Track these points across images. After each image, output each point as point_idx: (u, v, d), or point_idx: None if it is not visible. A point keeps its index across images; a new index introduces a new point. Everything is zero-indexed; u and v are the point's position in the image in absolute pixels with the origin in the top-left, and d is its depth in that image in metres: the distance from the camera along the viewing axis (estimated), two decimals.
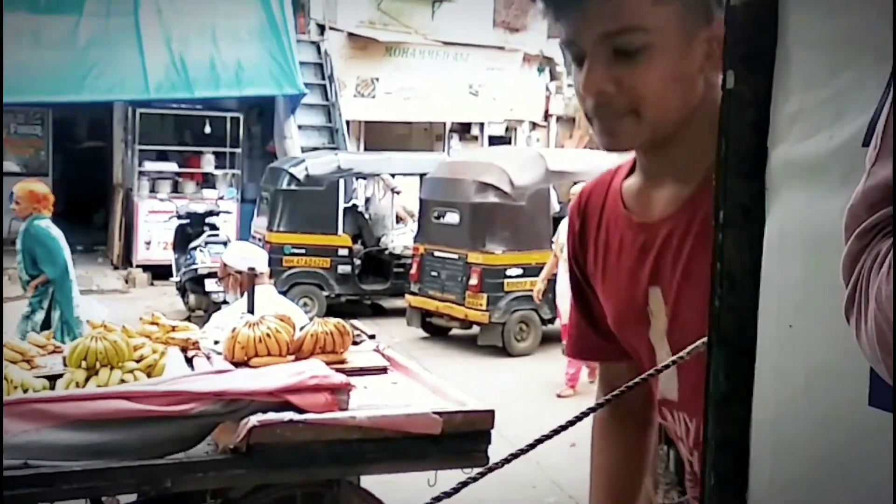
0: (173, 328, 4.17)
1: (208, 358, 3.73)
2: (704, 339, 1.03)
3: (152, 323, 4.33)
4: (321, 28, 15.17)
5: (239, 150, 14.03)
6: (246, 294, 4.54)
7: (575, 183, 10.42)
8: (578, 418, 1.25)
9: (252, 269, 4.57)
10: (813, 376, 0.87)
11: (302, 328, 3.76)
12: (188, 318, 10.54)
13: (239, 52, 13.38)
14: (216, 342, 3.83)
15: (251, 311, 4.41)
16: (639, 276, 1.39)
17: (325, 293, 10.81)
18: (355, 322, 4.28)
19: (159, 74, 12.94)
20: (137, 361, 3.57)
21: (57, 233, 6.75)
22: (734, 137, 0.98)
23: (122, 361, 3.49)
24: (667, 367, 1.20)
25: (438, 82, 15.92)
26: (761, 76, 0.96)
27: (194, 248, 10.49)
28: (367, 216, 11.95)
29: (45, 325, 6.55)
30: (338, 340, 3.62)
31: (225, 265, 4.98)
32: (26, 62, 12.45)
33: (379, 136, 15.90)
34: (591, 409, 1.34)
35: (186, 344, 3.90)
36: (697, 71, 1.28)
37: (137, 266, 13.19)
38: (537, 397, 7.78)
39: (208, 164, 13.81)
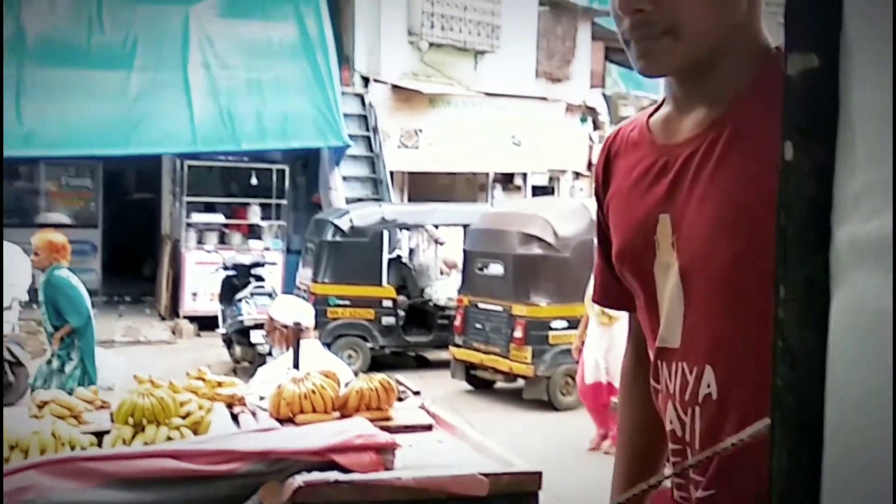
0: (219, 384, 4.18)
1: (254, 414, 3.73)
2: (767, 420, 0.99)
3: (198, 378, 4.34)
4: (365, 80, 15.36)
5: (285, 202, 14.18)
6: (291, 349, 4.56)
7: None
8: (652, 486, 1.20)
9: (298, 323, 4.58)
10: (882, 457, 0.84)
11: (347, 384, 3.75)
12: (234, 370, 10.61)
13: (285, 105, 13.58)
14: (262, 398, 3.83)
15: (296, 366, 4.42)
16: (651, 201, 1.33)
17: (370, 345, 10.80)
18: (399, 376, 4.27)
19: (207, 127, 13.17)
20: (183, 418, 3.57)
21: (77, 282, 6.77)
22: (794, 212, 0.95)
23: (168, 418, 3.49)
24: (726, 448, 1.10)
25: (481, 133, 16.00)
26: (822, 148, 0.93)
27: (240, 300, 10.56)
28: (411, 267, 11.96)
29: (82, 374, 6.61)
30: (383, 397, 3.60)
31: (271, 319, 5.00)
32: (77, 116, 12.77)
33: (422, 186, 15.98)
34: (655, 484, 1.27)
35: (232, 400, 3.90)
36: None
37: (184, 317, 13.30)
38: (584, 453, 7.66)
39: (254, 215, 13.96)
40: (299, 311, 4.87)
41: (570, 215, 9.41)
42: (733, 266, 1.22)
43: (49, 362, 6.77)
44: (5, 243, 11.00)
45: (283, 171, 14.13)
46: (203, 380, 4.23)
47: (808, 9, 0.90)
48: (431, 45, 15.65)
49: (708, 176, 1.25)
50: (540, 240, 9.13)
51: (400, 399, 3.86)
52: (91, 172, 15.31)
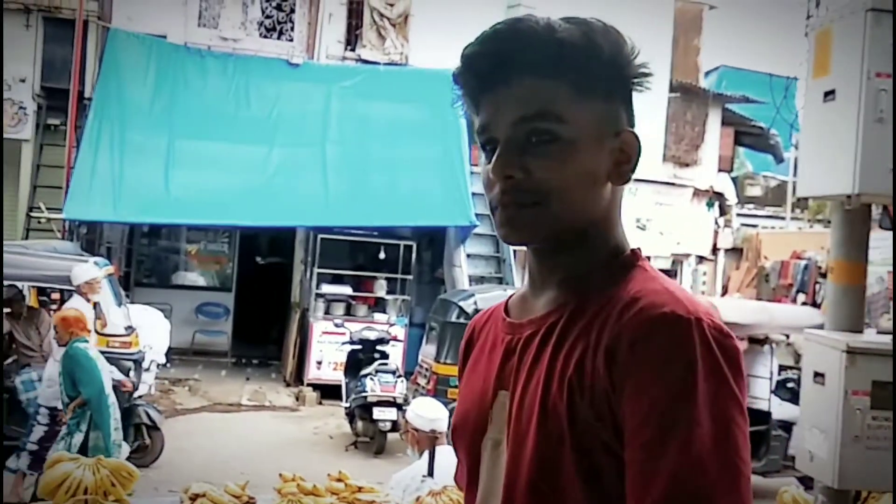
0: (360, 489, 4.36)
1: None
2: None
3: (339, 480, 4.53)
4: None
5: (410, 277, 14.50)
6: (427, 454, 4.70)
7: (741, 338, 10.26)
8: None
9: (433, 430, 4.74)
10: None
11: None
12: (354, 444, 10.85)
13: (416, 183, 13.97)
14: None
15: (431, 473, 4.56)
16: (492, 376, 1.35)
17: None
18: None
19: (340, 202, 13.64)
20: None
21: (95, 355, 6.97)
22: None
23: None
24: None
25: None
26: None
27: (365, 376, 10.82)
28: None
29: (83, 446, 6.70)
30: None
31: (406, 421, 5.17)
32: (220, 187, 13.42)
33: None
34: None
35: None
36: (605, 176, 1.28)
37: (308, 384, 13.68)
38: None
39: (381, 288, 14.31)
40: (434, 418, 5.02)
41: None
42: (545, 457, 1.22)
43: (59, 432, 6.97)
44: (148, 307, 11.63)
45: (410, 246, 14.48)
46: (345, 483, 4.42)
47: None
48: None
49: (542, 358, 1.26)
50: None
51: None
52: (228, 238, 16.02)
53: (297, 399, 13.50)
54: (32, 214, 13.64)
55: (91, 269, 8.62)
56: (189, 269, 16.27)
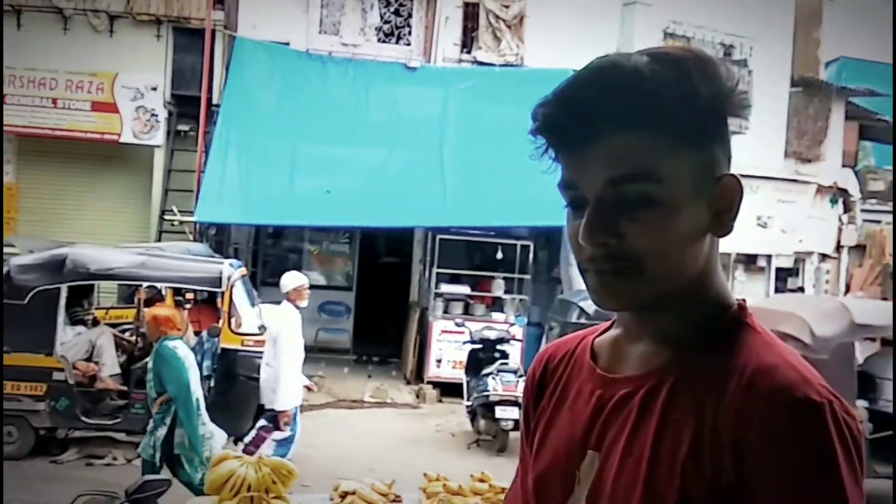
0: (502, 489, 4.48)
1: None
2: None
3: (481, 480, 4.65)
4: None
5: (528, 277, 14.58)
6: None
7: (873, 339, 9.99)
8: None
9: None
10: None
11: None
12: (476, 442, 11.01)
13: (532, 183, 13.87)
14: None
15: None
16: (580, 432, 1.24)
17: None
18: None
19: (458, 203, 13.80)
20: None
21: (184, 353, 7.04)
22: None
23: None
24: None
25: None
26: None
27: (487, 375, 10.95)
28: None
29: (167, 440, 6.86)
30: None
31: None
32: (342, 189, 13.75)
33: None
34: None
35: None
36: (704, 230, 1.17)
37: (428, 382, 13.91)
38: None
39: (498, 288, 14.44)
40: None
41: (828, 315, 9.16)
42: None
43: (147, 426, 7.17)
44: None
45: (527, 246, 14.57)
46: (488, 483, 4.54)
47: None
48: None
49: (644, 429, 1.16)
50: (795, 339, 8.93)
51: None
52: (349, 238, 16.40)
53: (418, 396, 13.75)
54: (166, 217, 14.25)
55: (298, 277, 8.85)
56: (311, 269, 16.70)
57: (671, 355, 1.19)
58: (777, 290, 16.93)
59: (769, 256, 17.01)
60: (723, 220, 1.18)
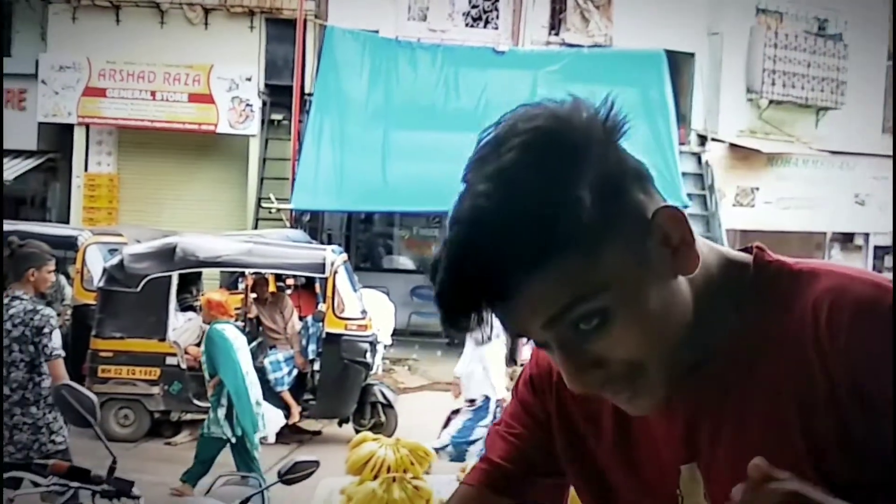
0: None
1: None
2: None
3: None
4: (702, 138, 15.44)
5: None
6: None
7: None
8: None
9: None
10: None
11: None
12: None
13: None
14: None
15: None
16: (666, 451, 1.09)
17: None
18: None
19: None
20: None
21: (232, 335, 7.06)
22: None
23: None
24: None
25: (821, 191, 15.54)
26: None
27: None
28: None
29: (228, 417, 6.91)
30: None
31: None
32: (432, 174, 13.85)
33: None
34: None
35: None
36: (671, 274, 0.99)
37: (521, 364, 13.97)
38: None
39: None
40: None
41: None
42: None
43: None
44: (376, 291, 12.21)
45: None
46: None
47: None
48: (771, 102, 15.45)
49: (733, 420, 1.02)
50: None
51: None
52: (438, 223, 16.55)
53: (511, 379, 13.82)
54: (262, 205, 14.58)
55: None
56: (401, 254, 16.92)
57: (725, 347, 1.04)
58: (874, 269, 16.57)
59: (866, 234, 16.65)
60: (684, 256, 0.99)
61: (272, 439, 7.59)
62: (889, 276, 0.98)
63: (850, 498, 0.86)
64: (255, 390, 7.06)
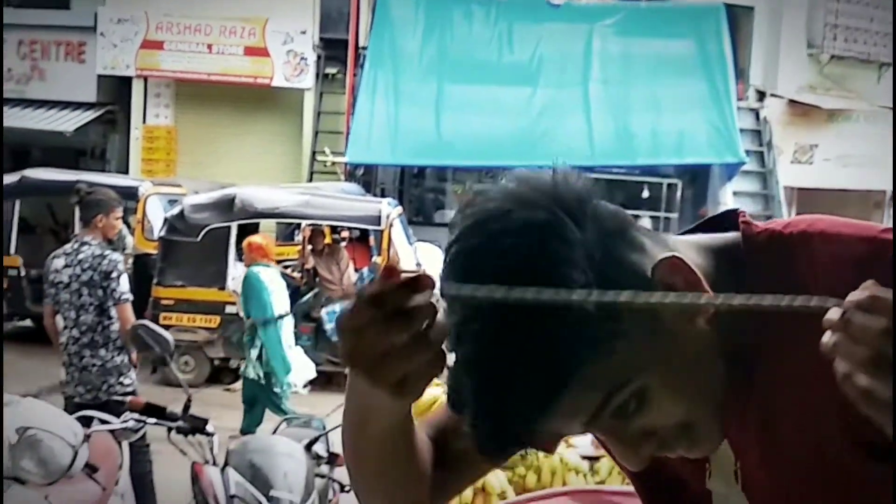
0: None
1: None
2: None
3: None
4: (760, 94, 15.20)
5: (675, 216, 14.43)
6: None
7: None
8: None
9: None
10: None
11: None
12: None
13: (680, 121, 13.82)
14: None
15: None
16: None
17: None
18: None
19: (604, 142, 13.74)
20: None
21: (268, 278, 7.00)
22: None
23: None
24: None
25: (882, 149, 15.18)
26: None
27: None
28: None
29: (259, 358, 6.89)
30: None
31: None
32: (487, 129, 13.86)
33: (811, 202, 15.50)
34: None
35: None
36: (689, 322, 0.93)
37: None
38: None
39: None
40: None
41: None
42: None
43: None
44: (427, 244, 12.29)
45: (674, 185, 14.42)
46: None
47: None
48: (832, 57, 15.14)
49: (760, 415, 0.99)
50: None
51: None
52: (492, 178, 16.37)
53: None
54: (317, 159, 14.69)
55: None
56: (453, 208, 16.93)
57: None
58: None
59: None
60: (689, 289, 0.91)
61: (301, 388, 7.49)
62: None
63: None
64: (287, 334, 7.06)
